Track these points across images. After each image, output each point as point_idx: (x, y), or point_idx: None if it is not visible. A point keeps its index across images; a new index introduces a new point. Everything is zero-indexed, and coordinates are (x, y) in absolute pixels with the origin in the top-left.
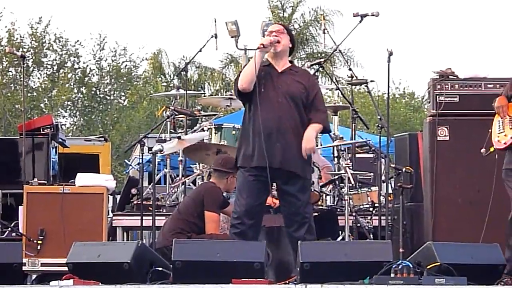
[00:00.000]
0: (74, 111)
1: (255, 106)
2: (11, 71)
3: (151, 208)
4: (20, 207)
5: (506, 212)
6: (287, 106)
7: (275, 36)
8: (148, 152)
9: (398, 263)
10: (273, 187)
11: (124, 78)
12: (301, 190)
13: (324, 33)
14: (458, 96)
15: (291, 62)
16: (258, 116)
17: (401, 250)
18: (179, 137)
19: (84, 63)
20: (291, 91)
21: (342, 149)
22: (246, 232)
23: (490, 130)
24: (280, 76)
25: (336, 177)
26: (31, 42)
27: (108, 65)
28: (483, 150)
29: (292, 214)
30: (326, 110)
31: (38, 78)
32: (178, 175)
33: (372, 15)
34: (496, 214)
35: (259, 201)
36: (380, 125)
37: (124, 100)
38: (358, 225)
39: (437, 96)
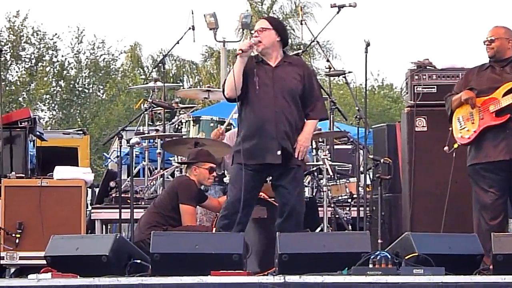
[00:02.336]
0: (53, 105)
1: (251, 104)
2: None
3: (129, 201)
4: None
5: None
6: (283, 102)
7: (256, 36)
8: (126, 145)
9: (376, 253)
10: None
11: (103, 71)
12: (292, 182)
13: (301, 24)
14: (435, 86)
15: (284, 52)
16: (255, 114)
17: (379, 241)
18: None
19: (62, 56)
20: (287, 86)
21: (321, 140)
22: (232, 225)
23: (450, 128)
24: (275, 71)
25: (314, 168)
26: (8, 36)
27: (87, 58)
28: (446, 148)
29: (283, 205)
30: (322, 99)
31: (16, 71)
32: (156, 168)
33: (349, 6)
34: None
35: (250, 195)
36: (358, 116)
37: (102, 94)
38: (337, 216)
39: (415, 87)
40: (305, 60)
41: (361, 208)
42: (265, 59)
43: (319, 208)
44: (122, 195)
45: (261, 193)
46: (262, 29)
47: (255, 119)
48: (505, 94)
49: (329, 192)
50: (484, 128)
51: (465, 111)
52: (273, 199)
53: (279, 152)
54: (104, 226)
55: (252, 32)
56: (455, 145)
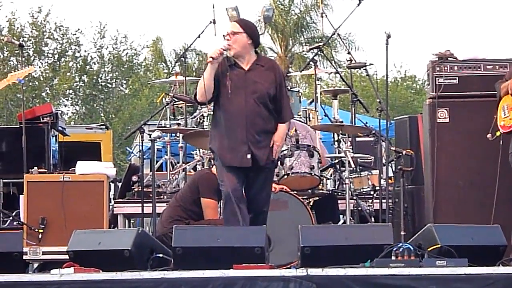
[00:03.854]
0: (76, 100)
1: (223, 107)
2: (12, 61)
3: (152, 195)
4: (21, 196)
5: (509, 195)
6: (255, 106)
7: (227, 40)
8: (148, 139)
9: (399, 246)
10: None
11: (125, 66)
12: (262, 184)
13: (322, 17)
14: (457, 78)
15: (257, 53)
16: (227, 117)
17: (402, 232)
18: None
19: (85, 51)
20: (260, 90)
21: (342, 133)
22: (236, 210)
23: (495, 116)
24: (247, 74)
25: (336, 160)
26: (31, 31)
27: (109, 53)
28: (489, 135)
29: (250, 204)
30: (289, 99)
31: (39, 67)
32: (178, 162)
33: None
34: (500, 197)
35: (239, 185)
36: (379, 108)
37: (125, 88)
38: (359, 208)
39: (437, 78)
40: (326, 53)
41: (384, 200)
42: (238, 62)
43: (342, 201)
44: (145, 190)
45: (282, 186)
46: (234, 33)
47: (227, 122)
48: None
49: (351, 184)
50: None
51: (510, 100)
52: (295, 191)
53: (249, 156)
54: (126, 220)
55: (224, 35)
56: (498, 133)
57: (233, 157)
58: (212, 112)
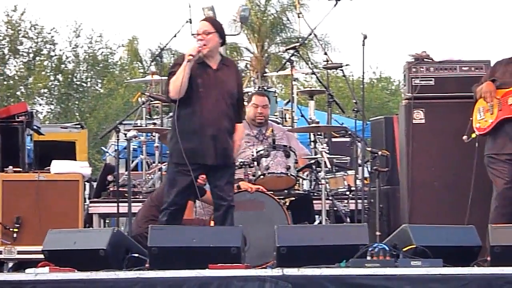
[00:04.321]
0: (51, 99)
1: (193, 105)
2: None
3: (127, 195)
4: None
5: (484, 196)
6: (224, 104)
7: (201, 39)
8: (124, 139)
9: (374, 246)
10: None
11: (101, 65)
12: (229, 181)
13: (299, 17)
14: (433, 79)
15: (220, 54)
16: (197, 115)
17: (377, 233)
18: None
19: (60, 50)
20: (228, 90)
21: (319, 133)
22: (176, 218)
23: (471, 118)
24: (217, 73)
25: (312, 161)
26: (6, 30)
27: (84, 52)
28: (465, 137)
29: (220, 202)
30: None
31: (14, 66)
32: (154, 162)
33: None
34: (474, 198)
35: (185, 200)
36: (355, 109)
37: (100, 87)
38: (335, 209)
39: (413, 79)
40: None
41: (359, 201)
42: (206, 61)
43: (318, 201)
44: (120, 189)
45: (258, 186)
46: (207, 32)
47: (197, 120)
48: None
49: (327, 185)
50: (502, 120)
51: (486, 102)
52: (271, 192)
53: (217, 154)
54: (102, 220)
55: (195, 34)
56: (473, 135)
57: (202, 155)
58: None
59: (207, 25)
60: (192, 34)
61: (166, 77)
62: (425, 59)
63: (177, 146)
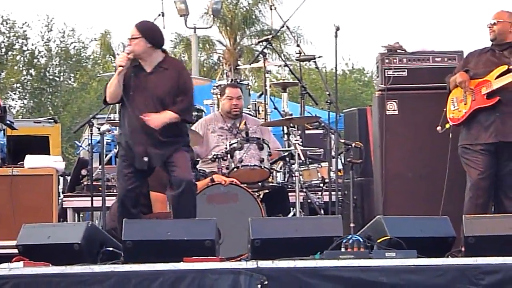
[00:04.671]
0: (24, 94)
1: (125, 108)
2: None
3: (101, 189)
4: None
5: (458, 187)
6: (153, 108)
7: (129, 45)
8: (97, 133)
9: (348, 237)
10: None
11: (73, 59)
12: (178, 159)
13: (271, 9)
14: (406, 70)
15: (165, 52)
16: (127, 119)
17: (351, 224)
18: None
19: (32, 45)
20: (158, 93)
21: (292, 125)
22: (130, 211)
23: (444, 109)
24: (149, 77)
25: (286, 153)
26: None
27: (57, 47)
28: (439, 128)
29: (175, 179)
30: (189, 101)
31: None
32: None
33: None
34: (448, 189)
35: (134, 185)
36: (329, 101)
37: (73, 82)
38: (309, 201)
39: (386, 71)
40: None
41: (333, 193)
42: (142, 64)
43: (291, 193)
44: (94, 183)
45: (232, 179)
46: (132, 38)
47: (127, 123)
48: (498, 77)
49: (301, 177)
50: (475, 110)
51: (459, 93)
52: (245, 184)
53: (146, 159)
54: (76, 214)
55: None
56: (447, 125)
57: (132, 158)
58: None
59: (133, 31)
60: (128, 39)
61: None
62: (397, 50)
63: (121, 143)
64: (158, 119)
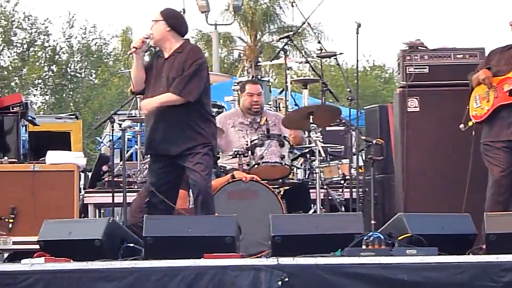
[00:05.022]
0: (45, 90)
1: (146, 96)
2: None
3: (122, 185)
4: None
5: (479, 184)
6: (159, 91)
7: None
8: (118, 129)
9: (369, 234)
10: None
11: (95, 56)
12: (195, 164)
13: (292, 6)
14: (427, 66)
15: (185, 40)
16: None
17: (372, 222)
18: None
19: (54, 41)
20: (170, 78)
21: (312, 122)
22: (156, 207)
23: (467, 106)
24: (165, 63)
25: (306, 150)
26: (0, 21)
27: (78, 43)
28: (461, 125)
29: (192, 186)
30: (184, 79)
31: (8, 57)
32: None
33: None
34: (470, 186)
35: (161, 182)
36: (349, 98)
37: (95, 78)
38: (330, 198)
39: (407, 67)
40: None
41: (354, 190)
42: (162, 51)
43: (312, 190)
44: (115, 179)
45: (253, 176)
46: (154, 21)
47: (148, 112)
48: None
49: (321, 174)
50: (498, 107)
51: (482, 90)
52: (265, 181)
53: (166, 143)
54: (97, 210)
55: None
56: (470, 123)
57: (160, 146)
58: None
59: (156, 15)
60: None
61: None
62: (419, 47)
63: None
64: (149, 101)
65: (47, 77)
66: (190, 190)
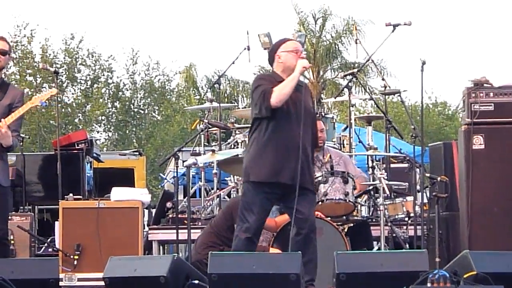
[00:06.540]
0: (108, 126)
1: (279, 121)
2: (45, 87)
3: (186, 222)
4: (56, 223)
5: None
6: (306, 122)
7: (303, 58)
8: (183, 166)
9: (434, 272)
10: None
11: (157, 92)
12: (311, 205)
13: (356, 43)
14: (493, 104)
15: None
16: (284, 132)
17: (437, 259)
18: (213, 151)
19: (117, 77)
20: (307, 107)
21: (377, 159)
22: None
23: None
24: (296, 93)
25: (371, 187)
26: (64, 58)
27: (141, 79)
28: None
29: (300, 227)
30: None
31: (72, 93)
32: (213, 188)
33: (404, 25)
34: None
35: (264, 219)
36: (414, 135)
37: (158, 114)
38: (394, 235)
39: (472, 105)
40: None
41: (418, 227)
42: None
43: (376, 227)
44: (179, 216)
45: (317, 212)
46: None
47: (284, 137)
48: None
49: (386, 211)
50: None
51: None
52: (329, 218)
53: (301, 173)
54: (161, 246)
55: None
56: None
57: (287, 174)
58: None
59: (298, 45)
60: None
61: (224, 104)
62: (484, 85)
63: (258, 166)
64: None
65: (110, 113)
66: None
